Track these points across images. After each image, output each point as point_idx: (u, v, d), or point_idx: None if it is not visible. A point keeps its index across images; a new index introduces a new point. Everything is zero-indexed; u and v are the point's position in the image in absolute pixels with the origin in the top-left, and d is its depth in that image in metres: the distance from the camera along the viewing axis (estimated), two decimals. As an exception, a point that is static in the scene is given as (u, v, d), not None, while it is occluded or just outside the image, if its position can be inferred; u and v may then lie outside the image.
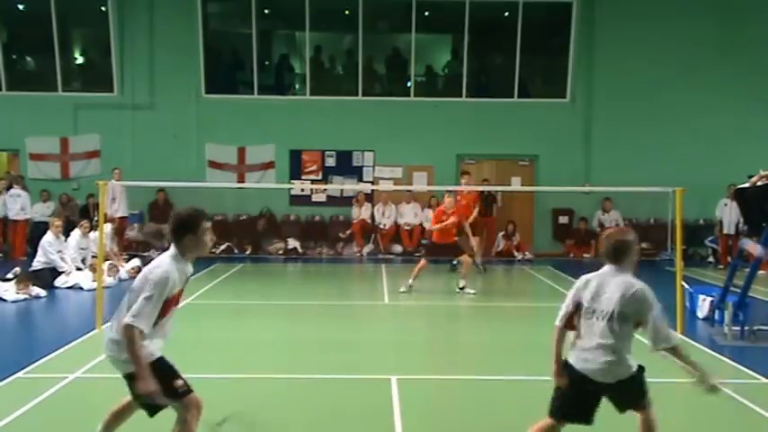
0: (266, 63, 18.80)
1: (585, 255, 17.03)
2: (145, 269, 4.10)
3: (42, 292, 10.92)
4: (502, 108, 17.75)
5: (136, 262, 13.38)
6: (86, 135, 17.69)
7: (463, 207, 13.58)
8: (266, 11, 18.36)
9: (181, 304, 4.32)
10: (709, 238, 16.57)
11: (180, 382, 4.05)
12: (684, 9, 17.38)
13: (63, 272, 11.94)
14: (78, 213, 16.42)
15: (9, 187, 16.14)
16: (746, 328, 8.38)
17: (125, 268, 12.96)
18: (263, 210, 17.45)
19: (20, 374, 6.55)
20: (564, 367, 4.15)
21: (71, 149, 17.70)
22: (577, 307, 4.23)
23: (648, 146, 17.32)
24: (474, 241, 12.83)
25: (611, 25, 17.54)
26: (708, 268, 15.45)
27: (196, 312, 9.51)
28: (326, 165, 17.93)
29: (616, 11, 17.52)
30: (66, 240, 12.60)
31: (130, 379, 4.01)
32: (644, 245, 15.76)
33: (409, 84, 18.29)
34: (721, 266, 15.37)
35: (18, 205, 15.93)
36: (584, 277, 4.25)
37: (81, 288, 11.61)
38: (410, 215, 17.27)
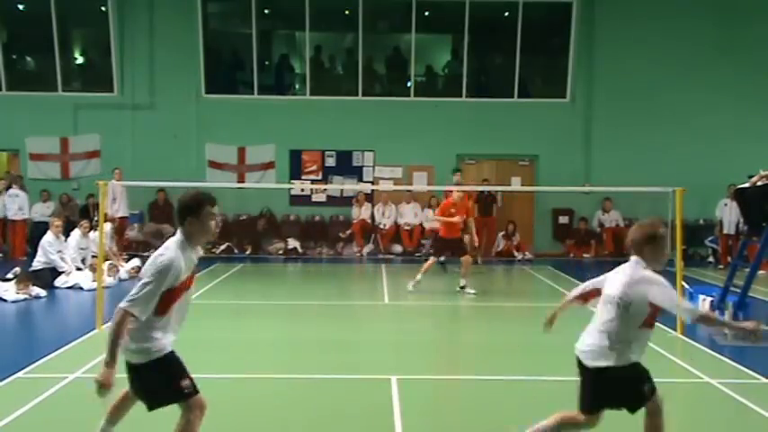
0: (266, 63, 18.80)
1: (585, 255, 17.04)
2: (152, 255, 4.01)
3: (42, 292, 10.91)
4: (502, 108, 17.75)
5: (136, 262, 13.38)
6: (86, 135, 17.69)
7: (442, 206, 13.77)
8: (266, 11, 18.35)
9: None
10: (709, 238, 16.57)
11: (186, 383, 3.99)
12: (684, 9, 17.38)
13: (63, 272, 11.94)
14: (78, 213, 16.42)
15: (8, 187, 16.15)
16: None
17: (125, 268, 12.96)
18: (263, 210, 17.45)
19: (20, 374, 6.55)
20: None
21: (71, 149, 17.70)
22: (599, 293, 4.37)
23: (648, 146, 17.32)
24: (475, 240, 12.75)
25: (611, 25, 17.54)
26: (708, 268, 15.45)
27: (196, 312, 9.41)
28: (326, 165, 17.93)
29: (616, 11, 17.52)
30: (66, 240, 12.60)
31: (132, 370, 3.98)
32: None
33: (409, 84, 18.29)
34: (721, 266, 15.37)
35: (16, 205, 15.94)
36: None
37: (81, 288, 11.61)
38: (410, 215, 17.26)
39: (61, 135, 17.62)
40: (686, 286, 9.47)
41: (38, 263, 11.95)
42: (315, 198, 17.95)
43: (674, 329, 8.31)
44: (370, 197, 17.62)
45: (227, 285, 12.64)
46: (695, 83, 17.44)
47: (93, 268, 11.67)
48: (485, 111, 17.68)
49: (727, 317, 8.46)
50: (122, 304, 3.80)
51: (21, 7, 18.63)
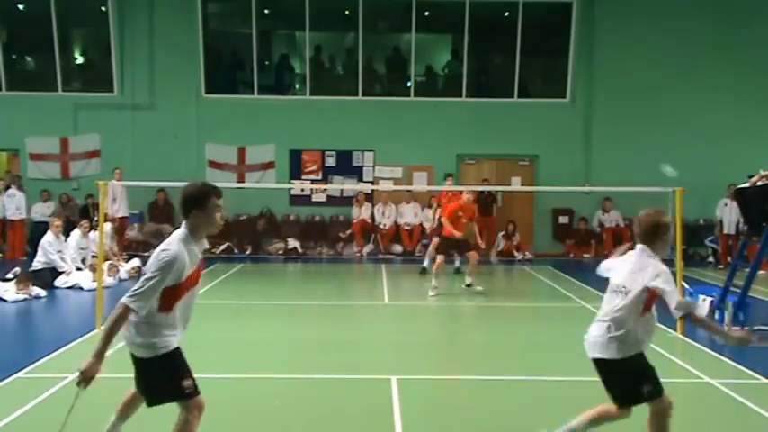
0: (266, 63, 18.80)
1: (585, 255, 17.04)
2: (155, 251, 3.95)
3: (42, 292, 10.92)
4: (502, 108, 17.75)
5: (136, 262, 13.39)
6: (86, 135, 17.69)
7: (450, 209, 13.83)
8: (266, 11, 18.35)
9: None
10: (710, 238, 16.57)
11: (188, 383, 3.97)
12: (684, 9, 17.38)
13: (63, 272, 11.94)
14: (78, 213, 16.42)
15: (7, 187, 16.17)
16: (746, 328, 8.37)
17: (125, 268, 12.96)
18: (263, 210, 17.45)
19: (20, 374, 6.56)
20: None
21: (71, 149, 17.70)
22: None
23: (648, 146, 17.31)
24: (480, 243, 12.69)
25: (611, 25, 17.54)
26: (708, 268, 15.44)
27: (196, 312, 9.43)
28: (326, 165, 17.93)
29: (616, 11, 17.51)
30: (66, 240, 12.61)
31: (136, 363, 3.97)
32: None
33: (409, 84, 18.29)
34: (721, 266, 15.37)
35: (14, 205, 15.96)
36: None
37: (81, 288, 11.61)
38: (410, 215, 17.26)
39: (61, 135, 17.62)
40: (686, 286, 9.48)
41: (38, 263, 11.95)
42: (315, 198, 17.95)
43: (674, 329, 8.31)
44: (370, 197, 17.62)
45: (227, 285, 12.64)
46: (695, 83, 17.44)
47: (93, 268, 11.67)
48: (485, 111, 17.67)
49: (726, 317, 8.47)
50: (124, 299, 3.77)
51: (21, 7, 18.62)
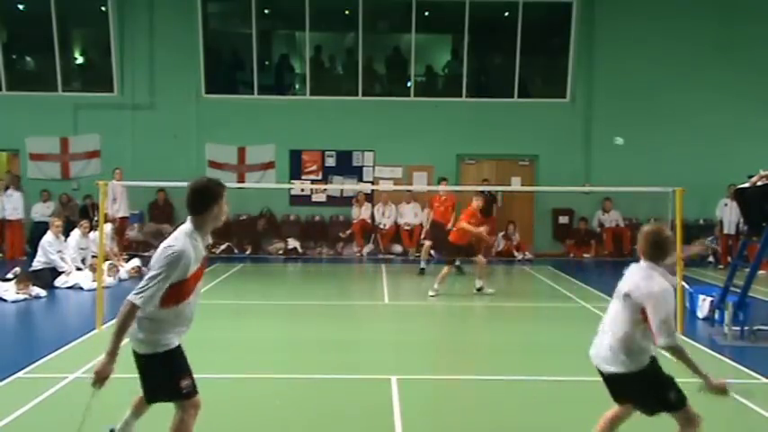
0: (266, 63, 18.79)
1: (585, 255, 17.03)
2: (161, 246, 3.92)
3: (42, 292, 10.92)
4: (502, 108, 17.74)
5: (136, 262, 13.40)
6: (86, 135, 17.69)
7: (442, 211, 13.98)
8: (266, 11, 18.35)
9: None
10: (710, 238, 16.57)
11: (186, 383, 3.97)
12: (684, 9, 17.38)
13: (63, 272, 11.94)
14: (78, 213, 16.42)
15: (7, 188, 16.18)
16: (746, 328, 8.38)
17: (125, 268, 12.97)
18: (263, 210, 17.45)
19: (20, 374, 6.56)
20: None
21: (71, 149, 17.69)
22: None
23: (648, 146, 17.30)
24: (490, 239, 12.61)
25: (611, 25, 17.53)
26: (708, 268, 15.44)
27: (196, 312, 9.49)
28: (326, 165, 17.93)
29: (616, 11, 17.51)
30: (66, 240, 12.61)
31: (136, 359, 3.97)
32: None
33: (409, 84, 18.28)
34: (721, 266, 15.37)
35: (11, 205, 15.97)
36: None
37: (81, 288, 11.62)
38: (410, 215, 17.25)
39: (61, 135, 17.62)
40: (686, 286, 9.48)
41: (38, 263, 11.95)
42: (315, 198, 17.94)
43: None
44: (370, 197, 17.62)
45: (227, 285, 12.64)
46: (695, 83, 17.44)
47: (93, 268, 11.68)
48: (485, 111, 17.67)
49: (726, 317, 8.47)
50: (130, 296, 3.76)
51: (21, 7, 18.62)
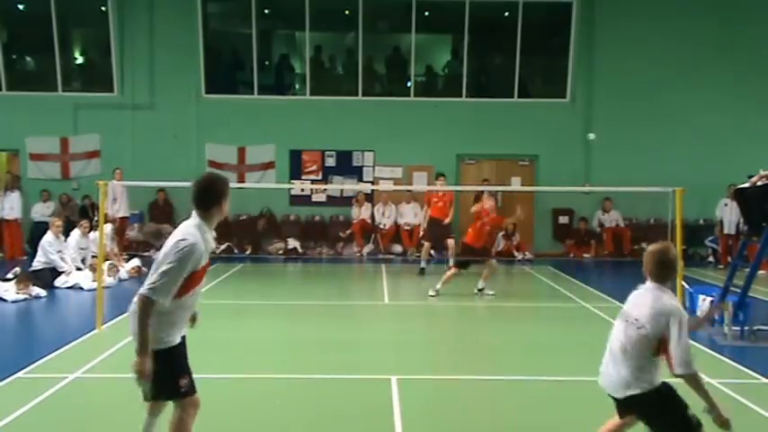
0: (266, 63, 18.79)
1: (585, 255, 17.02)
2: (169, 240, 3.91)
3: (42, 292, 10.92)
4: (502, 108, 17.74)
5: (136, 262, 13.40)
6: (86, 135, 17.69)
7: (440, 207, 13.96)
8: (266, 11, 18.35)
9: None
10: (710, 238, 16.57)
11: (185, 381, 3.97)
12: (684, 9, 17.38)
13: (63, 272, 11.94)
14: (78, 213, 16.42)
15: (6, 188, 16.18)
16: (746, 328, 8.39)
17: (125, 268, 12.97)
18: (263, 210, 17.45)
19: (20, 374, 6.56)
20: None
21: (71, 149, 17.69)
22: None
23: (648, 146, 17.31)
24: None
25: (611, 25, 17.53)
26: (708, 268, 15.44)
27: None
28: (326, 165, 17.93)
29: (616, 11, 17.51)
30: (66, 240, 12.61)
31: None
32: (644, 245, 15.74)
33: (409, 84, 18.29)
34: (721, 266, 15.37)
35: (9, 205, 15.98)
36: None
37: (81, 288, 11.61)
38: (410, 215, 17.25)
39: (61, 135, 17.62)
40: (686, 286, 9.48)
41: (38, 263, 11.95)
42: (315, 198, 17.94)
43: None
44: (370, 197, 17.62)
45: (227, 285, 12.64)
46: (695, 83, 17.44)
47: (93, 268, 11.68)
48: (485, 111, 17.67)
49: (726, 317, 8.47)
50: (144, 291, 3.73)
51: (21, 7, 18.62)
